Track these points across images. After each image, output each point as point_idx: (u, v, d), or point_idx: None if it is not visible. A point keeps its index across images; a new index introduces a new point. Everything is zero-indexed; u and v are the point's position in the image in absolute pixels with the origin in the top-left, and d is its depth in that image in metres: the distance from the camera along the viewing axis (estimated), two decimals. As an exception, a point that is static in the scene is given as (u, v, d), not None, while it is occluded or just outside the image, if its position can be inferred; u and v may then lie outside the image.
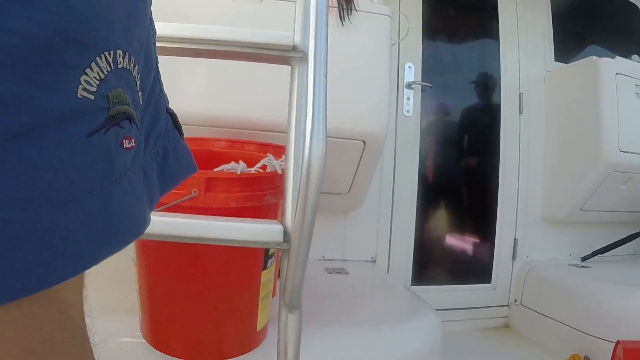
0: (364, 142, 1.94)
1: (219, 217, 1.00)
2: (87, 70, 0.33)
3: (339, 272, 2.28)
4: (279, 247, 0.95)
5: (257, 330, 1.33)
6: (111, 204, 0.37)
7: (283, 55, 1.04)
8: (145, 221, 0.43)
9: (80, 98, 0.33)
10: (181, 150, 0.49)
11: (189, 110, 1.77)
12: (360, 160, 2.02)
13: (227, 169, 1.16)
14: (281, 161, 1.23)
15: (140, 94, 0.42)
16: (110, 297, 1.52)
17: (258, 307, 1.29)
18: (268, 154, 1.27)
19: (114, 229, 0.38)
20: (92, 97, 0.34)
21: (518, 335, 2.99)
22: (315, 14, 0.98)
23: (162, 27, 1.01)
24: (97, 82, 0.34)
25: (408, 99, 2.85)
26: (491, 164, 3.10)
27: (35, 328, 0.33)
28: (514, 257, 3.12)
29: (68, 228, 0.33)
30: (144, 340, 1.34)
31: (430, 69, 2.94)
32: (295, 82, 1.02)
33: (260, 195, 1.13)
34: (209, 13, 1.83)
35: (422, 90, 2.90)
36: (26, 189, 0.30)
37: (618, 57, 2.85)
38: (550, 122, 3.11)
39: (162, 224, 0.93)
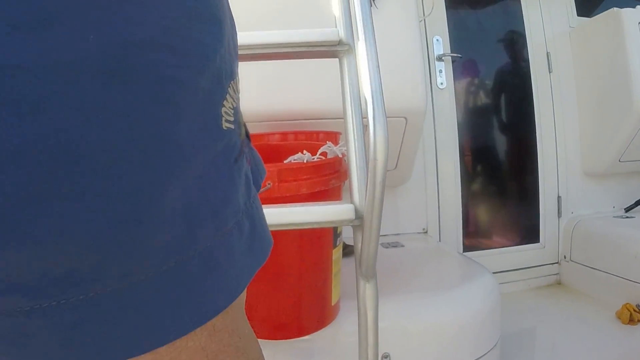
0: (406, 119, 2.01)
1: (294, 203, 1.10)
2: (224, 102, 0.35)
3: (395, 246, 2.36)
4: (352, 224, 1.05)
5: (332, 305, 1.43)
6: (255, 221, 0.39)
7: (331, 50, 1.13)
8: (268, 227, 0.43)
9: (225, 129, 0.34)
10: (256, 156, 0.48)
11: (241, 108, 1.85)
12: (403, 136, 2.09)
13: (295, 160, 1.26)
14: (340, 146, 1.33)
15: None
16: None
17: (332, 283, 1.39)
18: (327, 142, 1.37)
19: (261, 244, 0.40)
20: (232, 126, 0.36)
21: (570, 290, 3.01)
22: (359, 6, 1.05)
23: None
24: (232, 111, 0.36)
25: (440, 71, 2.90)
26: (527, 126, 3.12)
27: (238, 327, 0.37)
28: (559, 214, 3.14)
29: (233, 253, 0.35)
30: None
31: (458, 39, 2.98)
32: (346, 73, 1.11)
33: (326, 180, 1.22)
34: (236, 11, 1.87)
35: (453, 61, 2.96)
36: (212, 221, 0.33)
37: (639, 6, 2.84)
38: (580, 77, 3.12)
39: None
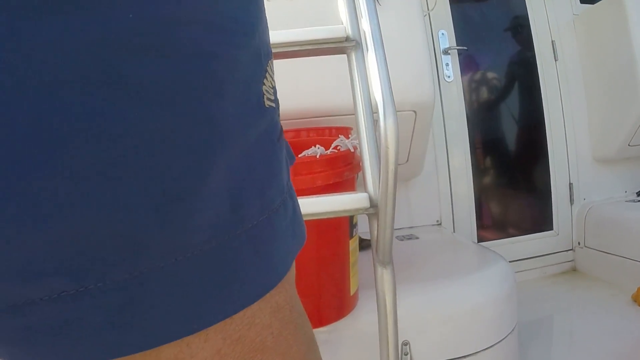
0: (415, 112, 2.02)
1: (310, 195, 1.13)
2: (265, 81, 0.34)
3: (410, 238, 2.38)
4: (367, 213, 1.09)
5: (351, 295, 1.45)
6: (295, 202, 0.40)
7: (338, 46, 1.16)
8: None
9: (267, 107, 0.34)
10: (286, 142, 0.47)
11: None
12: (413, 130, 2.10)
13: (309, 154, 1.29)
14: (351, 140, 1.36)
15: None
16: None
17: (349, 273, 1.41)
18: (340, 136, 1.40)
19: (301, 226, 0.40)
20: (273, 104, 0.36)
21: (586, 276, 3.02)
22: (364, 3, 1.09)
23: None
24: (272, 90, 0.36)
25: (447, 64, 2.93)
26: (536, 115, 3.14)
27: (296, 304, 0.37)
28: (571, 201, 3.16)
29: (279, 232, 0.35)
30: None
31: (463, 32, 3.00)
32: (354, 68, 1.14)
33: (340, 172, 1.25)
34: None
35: (459, 54, 2.98)
36: (259, 200, 0.33)
37: (643, -9, 2.84)
38: (586, 64, 3.13)
39: None
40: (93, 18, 0.24)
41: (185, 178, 0.28)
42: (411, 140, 2.18)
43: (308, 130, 1.81)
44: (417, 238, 2.39)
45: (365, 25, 1.09)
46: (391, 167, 1.00)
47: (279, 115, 0.38)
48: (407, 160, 2.30)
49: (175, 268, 0.29)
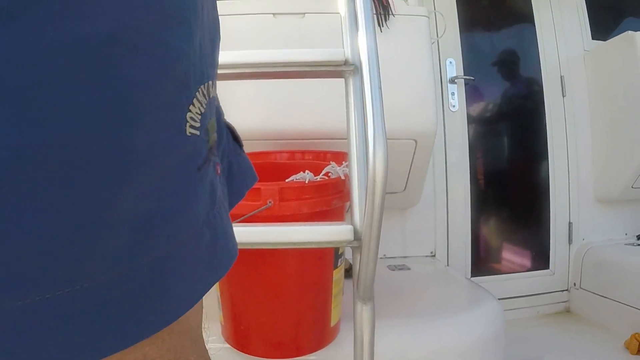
0: (415, 141, 2.00)
1: (294, 222, 1.10)
2: (191, 107, 0.33)
3: (401, 269, 2.34)
4: (350, 245, 1.05)
5: (331, 326, 1.41)
6: (217, 232, 0.38)
7: (336, 70, 1.14)
8: (235, 240, 0.43)
9: (189, 135, 0.33)
10: (243, 163, 0.48)
11: (246, 126, 1.87)
12: (413, 158, 2.07)
13: (297, 179, 1.26)
14: (343, 167, 1.32)
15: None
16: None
17: (331, 304, 1.38)
18: (331, 162, 1.37)
19: (221, 256, 0.38)
20: (198, 132, 0.34)
21: (579, 318, 2.98)
22: (363, 28, 1.06)
23: (222, 56, 1.12)
24: (199, 117, 0.34)
25: (452, 93, 2.90)
26: (540, 150, 3.11)
27: (177, 356, 0.35)
28: (570, 240, 3.12)
29: (187, 264, 0.34)
30: (227, 344, 1.43)
31: (471, 62, 2.98)
32: (351, 94, 1.11)
33: (328, 200, 1.22)
34: (252, 31, 1.91)
35: (465, 84, 2.95)
36: (166, 230, 0.32)
37: (654, 28, 2.82)
38: (594, 102, 3.10)
39: (245, 233, 1.03)
40: (21, 32, 0.23)
41: (87, 205, 0.27)
42: (410, 169, 2.15)
43: (303, 152, 1.78)
44: (408, 269, 2.35)
45: (362, 50, 1.06)
46: (377, 201, 0.96)
47: (206, 142, 0.36)
48: (405, 189, 2.27)
49: (71, 297, 0.28)
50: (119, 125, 0.27)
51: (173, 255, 0.32)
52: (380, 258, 2.58)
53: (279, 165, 1.66)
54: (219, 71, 1.09)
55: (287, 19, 1.94)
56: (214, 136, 0.38)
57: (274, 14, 1.93)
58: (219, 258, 0.38)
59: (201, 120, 0.35)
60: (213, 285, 0.37)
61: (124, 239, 0.29)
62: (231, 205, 0.44)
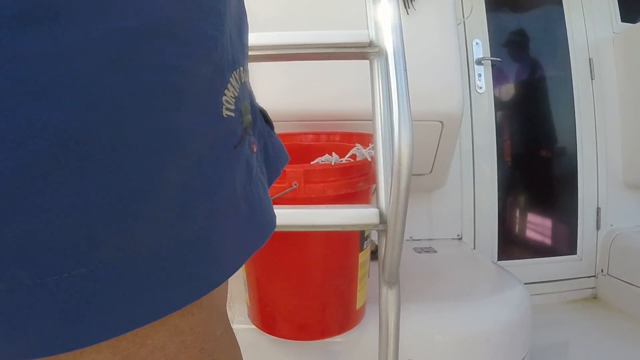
0: (442, 123, 1.97)
1: (319, 205, 1.10)
2: (226, 91, 0.36)
3: (427, 251, 2.33)
4: (376, 229, 1.04)
5: (357, 308, 1.41)
6: (254, 205, 0.40)
7: (361, 51, 1.13)
8: (274, 214, 0.45)
9: (225, 117, 0.36)
10: (276, 144, 0.50)
11: (273, 107, 1.86)
12: (439, 140, 2.05)
13: (322, 161, 1.25)
14: (369, 149, 1.31)
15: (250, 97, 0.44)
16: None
17: (357, 287, 1.38)
18: (356, 144, 1.36)
19: (258, 227, 0.41)
20: (233, 114, 0.37)
21: (607, 305, 2.93)
22: (387, 8, 1.05)
23: (251, 38, 1.11)
24: (234, 100, 0.37)
25: (479, 75, 2.86)
26: (568, 134, 3.05)
27: (205, 330, 0.37)
28: (597, 226, 3.06)
29: (227, 233, 0.36)
30: (253, 325, 1.44)
31: (497, 43, 2.93)
32: (376, 76, 1.10)
33: (354, 183, 1.22)
34: (274, 10, 1.89)
35: (492, 65, 2.91)
36: (208, 203, 0.34)
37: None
38: (624, 85, 3.03)
39: None
40: (65, 30, 0.25)
41: (138, 181, 0.29)
42: (436, 151, 2.12)
43: (329, 134, 1.77)
44: (435, 252, 2.33)
45: (386, 31, 1.04)
46: (403, 185, 0.95)
47: (241, 122, 0.39)
48: (431, 171, 2.25)
49: (124, 263, 0.30)
50: (162, 109, 0.30)
51: (214, 225, 0.35)
52: (407, 240, 2.58)
53: (304, 146, 1.66)
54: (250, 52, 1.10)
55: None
56: (248, 117, 0.41)
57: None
58: (257, 229, 0.41)
59: (235, 103, 0.38)
60: (251, 254, 0.39)
61: (170, 211, 0.31)
62: (270, 182, 0.47)
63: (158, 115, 0.30)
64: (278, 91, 1.86)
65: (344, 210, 1.05)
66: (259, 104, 0.49)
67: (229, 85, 0.37)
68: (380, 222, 1.03)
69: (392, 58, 1.02)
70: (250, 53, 1.12)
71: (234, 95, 0.37)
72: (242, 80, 0.40)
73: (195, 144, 0.33)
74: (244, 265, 1.37)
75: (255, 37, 1.09)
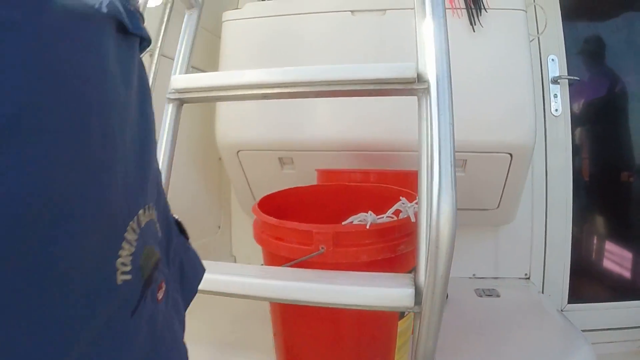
0: (511, 155, 1.79)
1: (348, 274, 0.94)
2: (120, 252, 0.32)
3: (489, 295, 2.13)
4: (410, 311, 0.87)
5: (398, 378, 1.25)
6: None
7: (407, 87, 0.96)
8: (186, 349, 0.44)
9: (120, 284, 0.33)
10: (192, 258, 0.50)
11: (321, 135, 1.73)
12: (508, 173, 1.88)
13: (358, 221, 1.09)
14: (414, 204, 1.14)
15: (158, 226, 0.41)
16: (248, 332, 1.58)
17: (394, 358, 1.21)
18: (401, 198, 1.19)
19: None
20: (129, 276, 0.34)
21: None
22: (436, 38, 0.91)
23: (283, 73, 1.00)
24: (130, 259, 0.34)
25: (555, 95, 2.62)
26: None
27: None
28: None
29: None
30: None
31: (576, 57, 2.67)
32: (424, 114, 0.94)
33: (393, 246, 1.05)
34: (329, 30, 1.82)
35: (570, 84, 2.65)
36: None
37: None
38: None
39: (290, 288, 0.91)
40: None
41: None
42: (504, 185, 1.94)
43: (379, 173, 1.61)
44: (497, 296, 2.13)
45: (431, 64, 0.91)
46: (442, 257, 0.80)
47: (140, 278, 0.35)
48: (498, 206, 2.07)
49: None
50: (49, 304, 0.27)
51: None
52: (469, 278, 2.40)
53: (350, 188, 1.50)
54: (284, 90, 1.01)
55: (366, 16, 1.82)
56: (152, 262, 0.37)
57: (352, 11, 1.83)
58: None
59: (132, 261, 0.34)
60: None
61: None
62: (186, 304, 0.47)
63: (41, 306, 0.27)
64: (324, 120, 1.76)
65: (372, 288, 0.89)
66: (175, 216, 0.47)
67: (124, 244, 0.33)
68: (416, 304, 0.86)
69: (435, 99, 0.86)
70: (283, 90, 1.00)
71: (131, 252, 0.34)
72: (143, 222, 0.36)
73: (89, 327, 0.30)
74: (271, 321, 1.27)
75: (284, 72, 1.02)
